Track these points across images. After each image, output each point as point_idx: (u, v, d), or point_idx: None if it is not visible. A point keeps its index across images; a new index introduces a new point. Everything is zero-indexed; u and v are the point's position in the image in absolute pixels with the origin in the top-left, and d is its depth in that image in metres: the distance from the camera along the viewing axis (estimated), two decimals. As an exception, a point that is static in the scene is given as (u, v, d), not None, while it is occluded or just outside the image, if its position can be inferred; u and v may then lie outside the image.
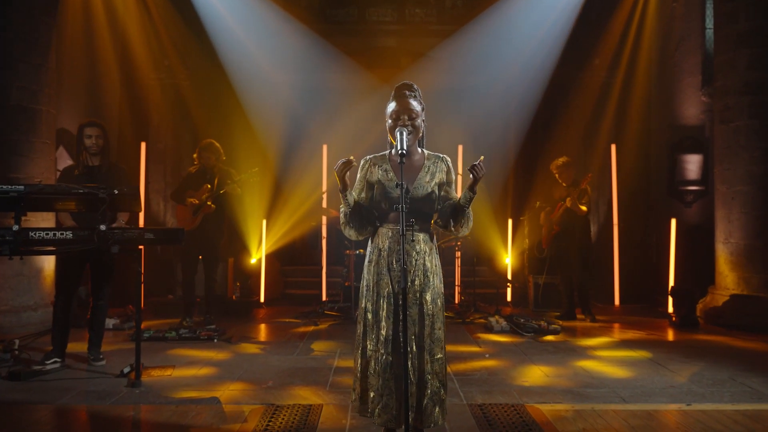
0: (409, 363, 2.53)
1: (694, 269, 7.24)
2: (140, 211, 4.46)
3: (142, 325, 6.16)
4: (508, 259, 7.91)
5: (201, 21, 7.95)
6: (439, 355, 2.64)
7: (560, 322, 6.32)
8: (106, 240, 3.91)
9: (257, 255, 7.71)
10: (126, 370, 4.23)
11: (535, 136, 8.08)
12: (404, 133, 2.59)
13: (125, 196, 3.98)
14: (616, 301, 7.80)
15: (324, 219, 7.36)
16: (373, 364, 2.63)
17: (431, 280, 2.69)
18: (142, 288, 7.24)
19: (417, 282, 2.66)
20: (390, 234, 2.70)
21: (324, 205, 7.25)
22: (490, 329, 5.99)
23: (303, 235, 8.12)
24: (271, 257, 8.05)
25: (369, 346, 2.65)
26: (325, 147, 7.75)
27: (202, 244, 6.06)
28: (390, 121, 2.73)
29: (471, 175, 2.62)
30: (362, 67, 8.65)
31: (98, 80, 7.67)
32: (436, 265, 2.74)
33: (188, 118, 8.39)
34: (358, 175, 2.83)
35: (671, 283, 6.95)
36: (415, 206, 2.68)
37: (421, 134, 2.77)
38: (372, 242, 2.79)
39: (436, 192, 2.73)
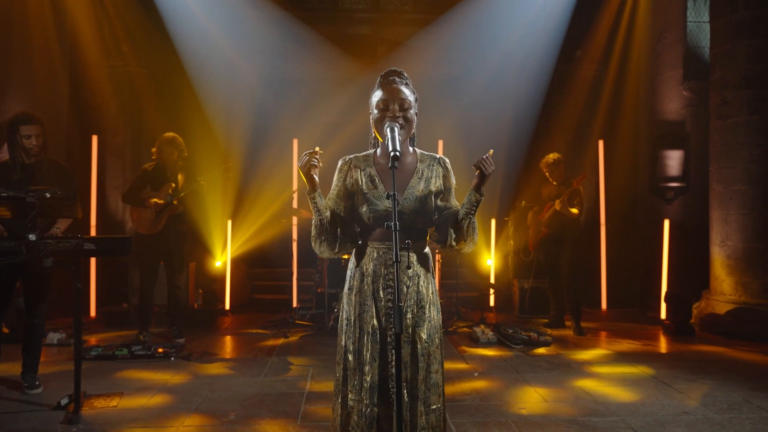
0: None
1: (677, 269, 6.87)
2: (79, 217, 3.84)
3: (92, 341, 5.62)
4: (490, 261, 7.46)
5: (157, 3, 7.28)
6: (435, 405, 2.14)
7: (549, 331, 5.90)
8: (37, 251, 3.32)
9: (222, 258, 7.12)
10: (64, 401, 3.64)
11: (522, 131, 7.62)
12: (396, 129, 2.07)
13: (60, 200, 3.38)
14: (603, 305, 7.43)
15: (295, 220, 6.79)
16: (355, 417, 2.10)
17: (427, 311, 2.18)
18: (92, 300, 6.74)
19: (409, 315, 2.15)
20: (375, 255, 2.18)
21: (294, 205, 6.68)
22: (475, 340, 5.53)
23: (272, 236, 7.54)
24: (237, 260, 7.47)
25: (351, 395, 2.13)
26: (295, 141, 7.17)
27: (165, 248, 5.44)
28: (376, 111, 2.19)
29: (477, 172, 2.13)
30: (336, 57, 8.09)
31: (45, 68, 6.95)
32: (432, 292, 2.24)
33: (147, 109, 7.75)
34: (335, 178, 2.29)
35: (664, 287, 6.58)
36: (407, 220, 2.16)
37: (413, 130, 2.25)
38: (351, 263, 2.27)
39: (432, 202, 2.22)
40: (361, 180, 2.22)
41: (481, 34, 7.94)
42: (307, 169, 2.09)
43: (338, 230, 2.22)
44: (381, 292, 2.14)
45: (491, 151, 2.16)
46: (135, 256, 5.53)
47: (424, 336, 2.15)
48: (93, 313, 6.73)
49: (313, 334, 5.91)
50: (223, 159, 6.11)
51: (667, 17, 8.07)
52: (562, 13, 7.64)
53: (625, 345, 5.50)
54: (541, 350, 5.25)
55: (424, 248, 2.26)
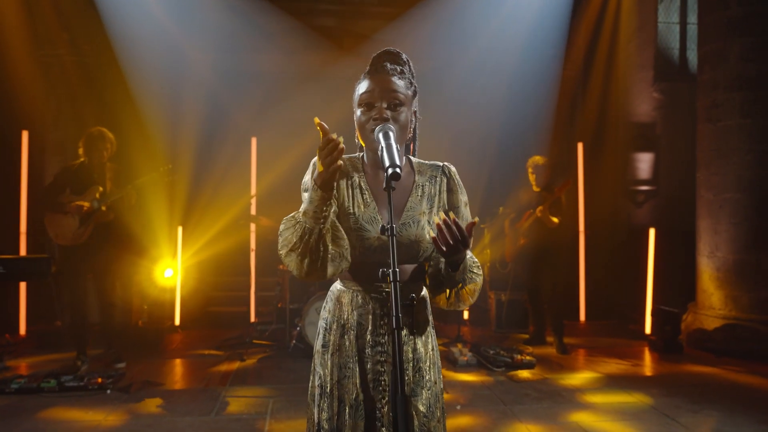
0: None
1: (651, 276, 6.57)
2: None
3: (21, 366, 4.89)
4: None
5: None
6: (438, 501, 1.61)
7: (531, 349, 5.45)
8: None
9: (172, 268, 6.43)
10: (-35, 458, 2.98)
11: (499, 132, 7.16)
12: (392, 134, 1.51)
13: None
14: (582, 317, 7.04)
15: (253, 227, 6.17)
16: None
17: (426, 373, 1.65)
18: (22, 315, 5.96)
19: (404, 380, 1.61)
20: (360, 300, 1.63)
21: (253, 211, 6.06)
22: (453, 363, 5.03)
23: (229, 243, 6.88)
24: (189, 270, 6.78)
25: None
26: (254, 140, 6.55)
27: (92, 261, 4.73)
28: (358, 111, 1.64)
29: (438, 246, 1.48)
30: (299, 49, 7.48)
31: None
32: (432, 348, 1.70)
33: (89, 101, 7.00)
34: (310, 185, 1.70)
35: (649, 300, 6.20)
36: (405, 254, 1.61)
37: (410, 136, 1.70)
38: (326, 311, 1.71)
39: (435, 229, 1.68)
40: (348, 192, 1.65)
41: (453, 30, 7.49)
42: (333, 164, 1.41)
43: (324, 253, 1.53)
44: (368, 351, 1.60)
45: (476, 219, 1.51)
46: (58, 271, 4.81)
47: (422, 408, 1.62)
48: (23, 330, 5.96)
49: (273, 355, 5.31)
50: (164, 160, 5.43)
51: (638, 18, 7.84)
52: (539, 11, 7.22)
53: (614, 366, 5.09)
54: (525, 374, 4.78)
55: (422, 290, 1.72)
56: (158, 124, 6.73)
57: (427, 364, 1.66)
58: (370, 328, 1.61)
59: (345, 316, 1.64)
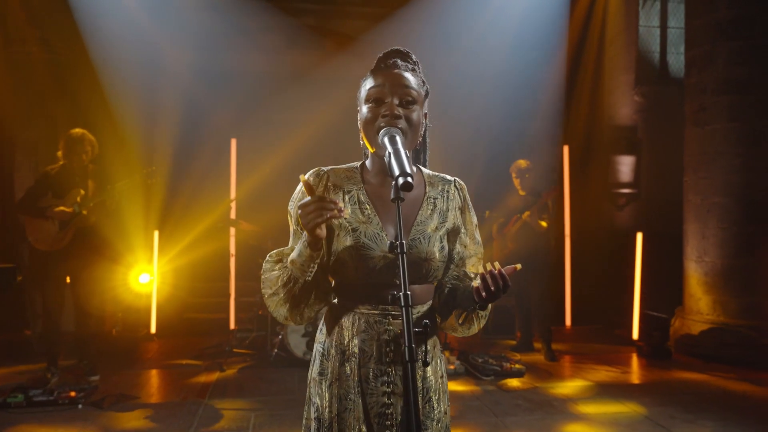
0: None
1: (632, 279, 6.51)
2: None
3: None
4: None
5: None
6: None
7: (519, 356, 5.35)
8: None
9: (148, 273, 6.20)
10: None
11: (486, 135, 7.07)
12: (399, 138, 1.36)
13: None
14: (568, 322, 6.96)
15: (232, 231, 5.97)
16: None
17: (435, 404, 1.50)
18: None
19: (411, 411, 1.46)
20: (363, 325, 1.47)
21: (232, 215, 5.87)
22: (440, 371, 4.89)
23: (207, 248, 6.65)
24: (166, 275, 6.55)
25: None
26: (233, 141, 6.34)
27: (71, 267, 4.51)
28: (365, 108, 1.48)
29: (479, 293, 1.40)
30: (280, 48, 7.30)
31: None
32: (442, 375, 1.55)
33: (61, 100, 6.74)
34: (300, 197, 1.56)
35: (637, 305, 6.12)
36: (411, 273, 1.46)
37: (420, 139, 1.55)
38: (323, 334, 1.55)
39: (446, 246, 1.54)
40: (345, 208, 1.50)
41: (438, 33, 7.38)
42: (315, 224, 1.29)
43: (313, 291, 1.46)
44: (373, 382, 1.44)
45: (518, 266, 1.42)
46: (34, 277, 4.58)
47: (432, 440, 1.47)
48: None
49: (254, 365, 5.12)
50: (145, 162, 5.23)
51: (620, 21, 7.83)
52: (525, 13, 7.13)
53: (603, 373, 4.99)
54: (515, 382, 4.66)
55: (433, 311, 1.57)
56: (133, 125, 6.50)
57: (437, 393, 1.51)
58: (374, 356, 1.45)
59: (345, 342, 1.48)
